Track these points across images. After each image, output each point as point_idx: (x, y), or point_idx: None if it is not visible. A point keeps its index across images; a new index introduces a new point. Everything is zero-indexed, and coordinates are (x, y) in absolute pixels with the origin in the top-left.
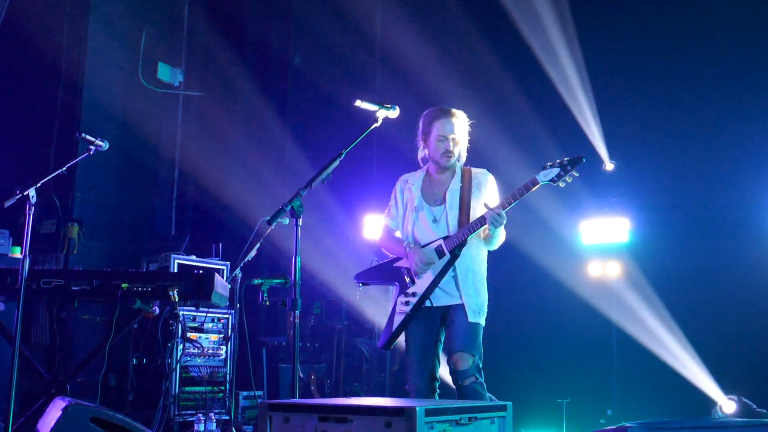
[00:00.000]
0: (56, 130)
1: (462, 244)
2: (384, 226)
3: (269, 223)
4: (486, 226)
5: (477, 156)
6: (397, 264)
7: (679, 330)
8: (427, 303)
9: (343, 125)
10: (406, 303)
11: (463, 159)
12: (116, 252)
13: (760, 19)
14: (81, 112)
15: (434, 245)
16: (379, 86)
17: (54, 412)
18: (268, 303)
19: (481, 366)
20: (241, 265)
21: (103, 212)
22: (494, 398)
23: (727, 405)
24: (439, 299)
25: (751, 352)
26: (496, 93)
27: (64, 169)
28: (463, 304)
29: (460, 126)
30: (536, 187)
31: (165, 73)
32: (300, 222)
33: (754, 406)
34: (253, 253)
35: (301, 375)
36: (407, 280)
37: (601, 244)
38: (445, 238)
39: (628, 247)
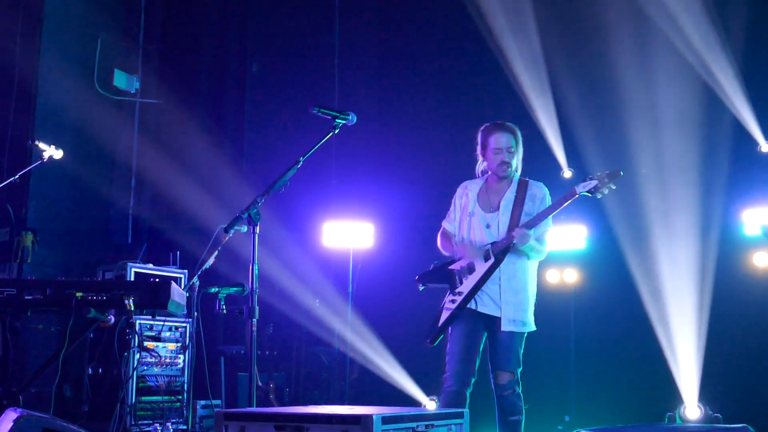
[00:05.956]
0: (9, 138)
1: (506, 249)
2: (442, 229)
3: (226, 231)
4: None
5: (442, 162)
6: (452, 267)
7: (635, 335)
8: (473, 305)
9: (301, 133)
10: (453, 301)
11: (519, 170)
12: (72, 261)
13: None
14: (35, 120)
15: (483, 248)
16: (338, 93)
17: (5, 423)
18: (225, 311)
19: (519, 377)
20: (199, 273)
21: (58, 221)
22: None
23: (692, 410)
24: (484, 305)
25: (708, 355)
26: (457, 99)
27: (17, 177)
28: (501, 317)
29: (515, 139)
30: (573, 198)
31: (121, 80)
32: (257, 230)
33: (710, 412)
34: (211, 261)
35: (260, 383)
36: (457, 281)
37: (559, 251)
38: (492, 243)
39: (585, 254)
